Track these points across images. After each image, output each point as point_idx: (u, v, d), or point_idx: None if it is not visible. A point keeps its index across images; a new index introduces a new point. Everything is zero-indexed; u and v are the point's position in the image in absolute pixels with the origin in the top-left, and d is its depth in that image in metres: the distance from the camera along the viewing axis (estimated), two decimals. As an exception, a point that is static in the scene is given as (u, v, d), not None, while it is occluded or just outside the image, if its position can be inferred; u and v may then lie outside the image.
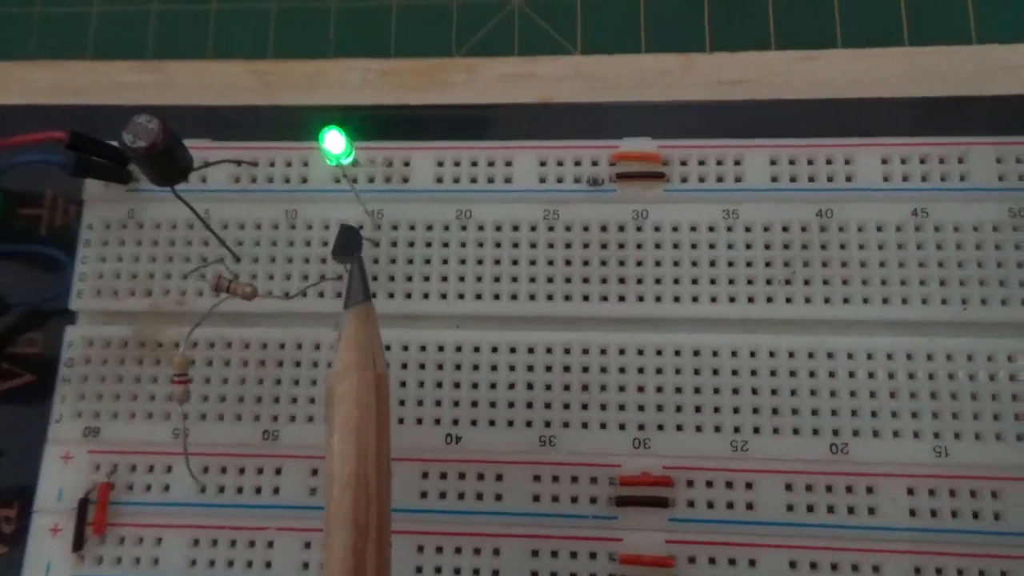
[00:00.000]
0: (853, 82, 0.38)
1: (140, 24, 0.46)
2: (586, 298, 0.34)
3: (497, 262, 0.34)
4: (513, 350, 0.33)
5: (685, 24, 0.43)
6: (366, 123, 0.37)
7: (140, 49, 0.45)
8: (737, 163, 0.35)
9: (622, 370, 0.33)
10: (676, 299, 0.33)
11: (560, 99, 0.39)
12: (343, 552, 0.23)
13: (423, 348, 0.34)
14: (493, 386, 0.33)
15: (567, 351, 0.33)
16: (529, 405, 0.33)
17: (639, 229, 0.34)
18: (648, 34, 0.43)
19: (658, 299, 0.34)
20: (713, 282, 0.34)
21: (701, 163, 0.35)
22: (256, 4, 0.46)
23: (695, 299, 0.33)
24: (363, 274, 0.27)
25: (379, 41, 0.44)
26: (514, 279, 0.34)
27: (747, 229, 0.34)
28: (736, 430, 0.32)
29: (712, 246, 0.34)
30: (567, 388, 0.33)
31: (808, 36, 0.42)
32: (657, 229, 0.34)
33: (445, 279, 0.34)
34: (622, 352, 0.33)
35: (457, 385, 0.33)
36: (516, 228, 0.35)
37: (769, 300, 0.33)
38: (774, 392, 0.32)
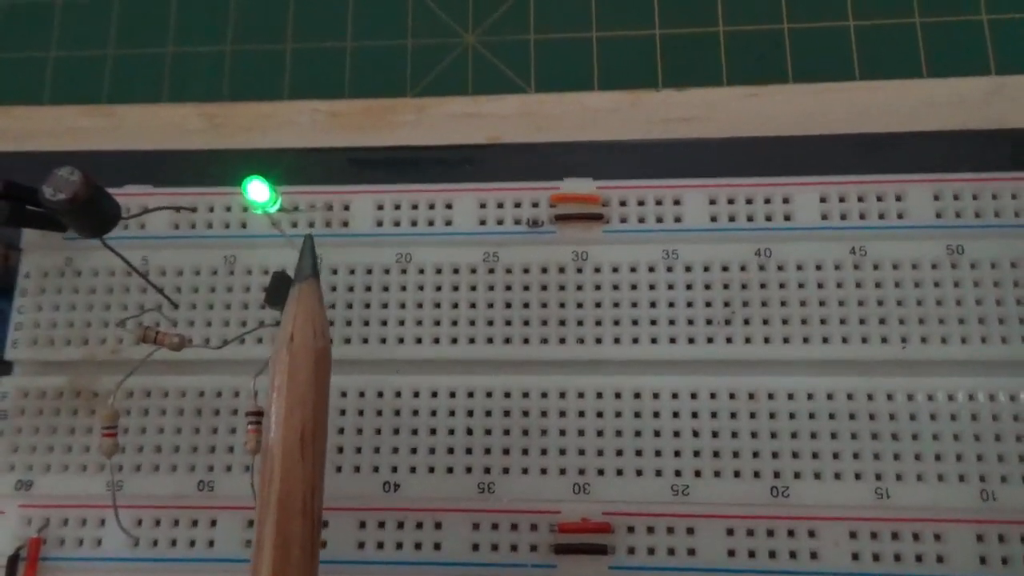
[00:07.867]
0: (799, 118, 0.39)
1: (96, 69, 0.46)
2: (526, 341, 0.34)
3: (437, 305, 0.34)
4: (453, 395, 0.33)
5: (638, 62, 0.43)
6: (307, 166, 0.37)
7: (96, 94, 0.46)
8: (676, 203, 0.35)
9: (562, 414, 0.33)
10: (616, 341, 0.33)
11: (508, 138, 0.39)
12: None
13: (362, 394, 0.33)
14: (432, 432, 0.33)
15: (507, 395, 0.33)
16: (468, 451, 0.33)
17: (579, 271, 0.34)
18: (601, 72, 0.44)
19: (598, 341, 0.33)
20: (653, 323, 0.33)
21: (640, 203, 0.35)
22: (211, 47, 0.46)
23: (635, 340, 0.33)
24: (313, 251, 0.27)
25: (333, 82, 0.45)
26: (454, 323, 0.34)
27: (687, 269, 0.34)
28: (677, 474, 0.32)
29: (652, 287, 0.34)
30: (507, 433, 0.33)
31: (760, 73, 0.43)
32: (597, 270, 0.34)
33: (385, 323, 0.34)
34: (562, 395, 0.33)
35: (396, 431, 0.33)
36: (456, 271, 0.34)
37: (709, 341, 0.33)
38: (715, 435, 0.32)
